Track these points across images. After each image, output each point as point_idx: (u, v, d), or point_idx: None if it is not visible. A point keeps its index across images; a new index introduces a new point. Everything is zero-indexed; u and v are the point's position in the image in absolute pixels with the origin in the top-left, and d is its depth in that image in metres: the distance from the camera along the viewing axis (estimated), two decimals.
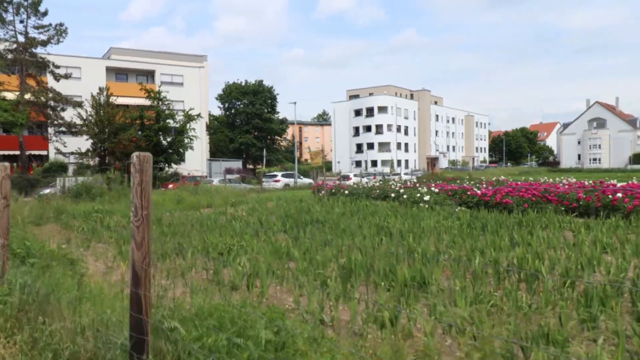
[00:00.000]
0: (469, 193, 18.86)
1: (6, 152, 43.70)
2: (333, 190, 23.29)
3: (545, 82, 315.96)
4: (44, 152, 47.30)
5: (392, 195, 20.72)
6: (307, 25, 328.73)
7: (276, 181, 34.79)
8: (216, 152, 61.78)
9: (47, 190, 31.67)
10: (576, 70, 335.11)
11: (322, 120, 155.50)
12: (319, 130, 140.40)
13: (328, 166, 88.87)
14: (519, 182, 22.92)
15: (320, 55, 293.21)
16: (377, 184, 27.88)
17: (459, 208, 16.72)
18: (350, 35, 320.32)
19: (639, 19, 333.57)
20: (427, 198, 18.32)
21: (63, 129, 41.77)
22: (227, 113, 68.51)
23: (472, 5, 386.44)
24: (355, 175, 43.07)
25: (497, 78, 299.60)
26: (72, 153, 39.86)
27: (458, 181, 28.43)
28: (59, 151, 39.43)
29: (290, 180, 37.22)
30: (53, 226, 15.01)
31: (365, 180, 43.50)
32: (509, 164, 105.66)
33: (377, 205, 18.44)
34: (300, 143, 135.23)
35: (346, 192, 22.18)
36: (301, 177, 41.34)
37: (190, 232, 12.26)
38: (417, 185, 23.78)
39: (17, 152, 40.89)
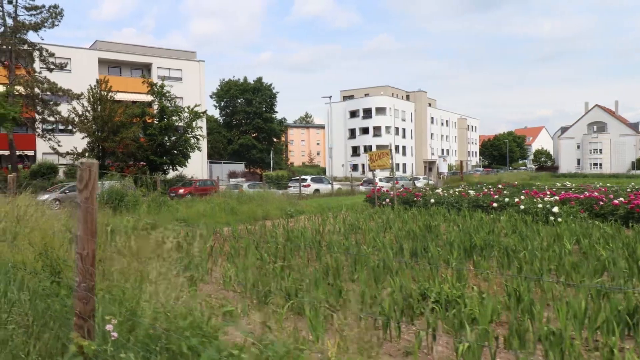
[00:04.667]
0: (601, 203, 15.44)
1: None
2: (413, 199, 19.54)
3: (510, 89, 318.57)
4: (30, 152, 42.11)
5: (495, 205, 17.14)
6: (280, 28, 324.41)
7: (306, 186, 30.76)
8: (213, 154, 57.28)
9: (45, 196, 27.05)
10: (539, 78, 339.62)
11: (305, 122, 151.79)
12: (304, 132, 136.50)
13: (321, 170, 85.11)
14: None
15: (293, 58, 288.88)
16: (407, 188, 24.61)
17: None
18: (324, 39, 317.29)
19: (606, 27, 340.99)
20: (556, 209, 14.80)
21: (54, 126, 36.94)
22: (224, 112, 63.93)
23: (442, 12, 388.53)
24: (380, 180, 39.41)
25: (464, 84, 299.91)
26: (68, 153, 35.03)
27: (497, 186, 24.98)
28: (55, 151, 34.52)
29: (321, 186, 33.23)
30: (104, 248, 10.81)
31: (389, 184, 39.97)
32: (511, 167, 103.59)
33: (495, 218, 14.81)
34: (286, 146, 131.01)
35: (432, 200, 18.44)
36: (330, 181, 37.32)
37: (335, 268, 8.23)
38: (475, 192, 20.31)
39: (6, 152, 35.88)
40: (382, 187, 38.64)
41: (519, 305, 5.99)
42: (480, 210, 16.96)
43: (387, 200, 21.01)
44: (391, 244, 10.48)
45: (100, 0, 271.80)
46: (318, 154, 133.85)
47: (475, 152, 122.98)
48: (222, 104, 63.98)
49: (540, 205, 15.46)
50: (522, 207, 15.79)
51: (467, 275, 7.82)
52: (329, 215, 17.35)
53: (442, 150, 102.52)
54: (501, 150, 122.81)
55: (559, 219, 14.09)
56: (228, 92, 62.69)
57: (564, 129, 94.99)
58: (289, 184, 33.36)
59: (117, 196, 16.43)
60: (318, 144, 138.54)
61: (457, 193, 19.95)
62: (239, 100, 63.25)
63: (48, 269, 4.18)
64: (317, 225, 14.51)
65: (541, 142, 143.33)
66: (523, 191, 19.92)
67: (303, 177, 35.45)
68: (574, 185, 27.79)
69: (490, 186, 26.90)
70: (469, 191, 21.40)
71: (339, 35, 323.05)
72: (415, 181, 46.09)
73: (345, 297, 6.56)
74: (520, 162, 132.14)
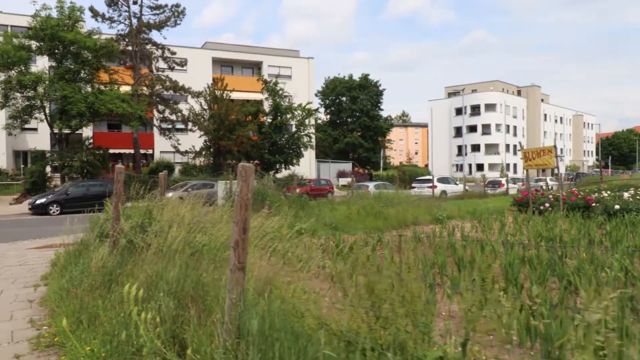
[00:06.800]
0: None
1: (118, 150, 39.54)
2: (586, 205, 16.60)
3: (623, 84, 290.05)
4: (149, 151, 43.19)
5: None
6: (374, 27, 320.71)
7: (432, 187, 28.40)
8: (318, 153, 56.20)
9: (169, 194, 26.98)
10: None
11: (402, 121, 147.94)
12: (402, 131, 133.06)
13: (426, 172, 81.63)
14: None
15: (388, 57, 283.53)
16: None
17: None
18: (418, 37, 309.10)
19: None
20: None
21: (171, 125, 37.32)
22: (329, 110, 62.73)
23: (546, 4, 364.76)
24: (507, 181, 36.17)
25: (569, 79, 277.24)
26: (187, 152, 35.19)
27: None
28: (176, 149, 34.80)
29: (447, 187, 30.75)
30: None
31: (516, 186, 36.60)
32: (637, 168, 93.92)
33: None
34: (385, 145, 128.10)
35: (616, 206, 15.42)
36: (457, 182, 34.69)
37: None
38: None
39: (129, 150, 36.80)
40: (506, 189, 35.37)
41: None
42: None
43: (547, 204, 18.11)
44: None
45: (201, 7, 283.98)
46: (416, 153, 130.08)
47: (591, 152, 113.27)
48: (327, 102, 62.79)
49: None
50: None
51: None
52: (489, 221, 14.99)
53: (556, 149, 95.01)
54: (621, 149, 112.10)
55: None
56: (334, 90, 61.35)
57: None
58: (413, 185, 31.17)
59: (259, 196, 15.15)
60: (416, 142, 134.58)
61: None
62: (344, 98, 61.76)
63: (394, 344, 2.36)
64: (490, 233, 12.22)
65: None
66: None
67: (427, 177, 33.17)
68: None
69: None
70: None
71: (433, 32, 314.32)
72: (540, 182, 41.92)
73: None
74: None
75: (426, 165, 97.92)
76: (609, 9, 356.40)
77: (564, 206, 17.28)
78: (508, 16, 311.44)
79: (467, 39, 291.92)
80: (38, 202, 23.47)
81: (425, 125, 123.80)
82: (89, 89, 29.15)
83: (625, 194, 17.04)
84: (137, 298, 3.82)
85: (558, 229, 12.60)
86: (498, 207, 21.26)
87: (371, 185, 26.13)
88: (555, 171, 68.37)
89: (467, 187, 32.45)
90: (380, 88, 62.22)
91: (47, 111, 28.94)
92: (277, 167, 39.16)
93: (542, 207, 17.88)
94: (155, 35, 35.30)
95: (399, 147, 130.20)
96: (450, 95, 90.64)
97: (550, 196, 19.14)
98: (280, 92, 38.74)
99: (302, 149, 39.21)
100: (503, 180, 36.52)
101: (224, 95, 35.99)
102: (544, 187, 36.15)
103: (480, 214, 17.02)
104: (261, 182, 16.72)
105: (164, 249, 5.36)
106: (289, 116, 38.06)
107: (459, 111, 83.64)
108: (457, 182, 34.13)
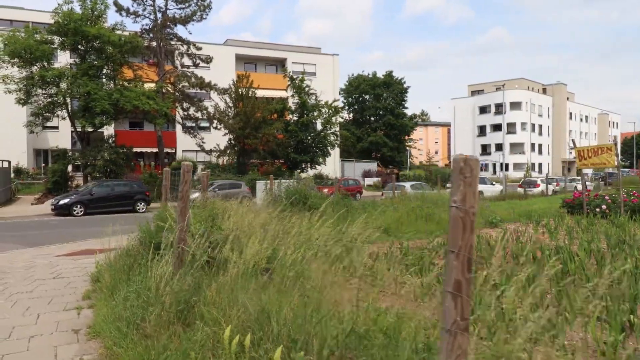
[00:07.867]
0: None
1: (141, 149, 38.54)
2: None
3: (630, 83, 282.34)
4: (172, 149, 42.23)
5: None
6: (391, 27, 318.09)
7: None
8: (342, 152, 54.88)
9: (195, 195, 25.96)
10: None
11: (421, 120, 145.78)
12: (422, 130, 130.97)
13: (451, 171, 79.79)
14: None
15: (405, 57, 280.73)
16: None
17: None
18: (435, 36, 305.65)
19: None
20: None
21: (194, 123, 36.30)
22: (352, 108, 61.21)
23: (563, 1, 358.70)
24: (542, 182, 34.65)
25: (582, 78, 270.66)
26: (212, 150, 34.17)
27: None
28: (202, 148, 33.78)
29: (484, 187, 29.37)
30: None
31: (551, 187, 35.01)
32: None
33: None
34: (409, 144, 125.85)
35: None
36: (494, 183, 33.27)
37: None
38: None
39: (152, 149, 35.89)
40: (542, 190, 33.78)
41: None
42: None
43: (604, 206, 16.71)
44: None
45: (218, 6, 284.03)
46: (436, 152, 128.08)
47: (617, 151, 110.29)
48: (351, 100, 61.32)
49: None
50: None
51: None
52: (549, 224, 13.68)
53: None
54: None
55: None
56: (358, 88, 59.85)
57: None
58: (448, 185, 29.82)
59: (301, 197, 13.97)
60: (436, 142, 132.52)
61: None
62: (367, 96, 60.26)
63: None
64: (563, 241, 10.81)
65: None
66: None
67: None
68: None
69: None
70: None
71: (449, 31, 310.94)
72: (574, 182, 40.05)
73: None
74: None
75: (447, 165, 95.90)
76: (609, 8, 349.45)
77: (626, 208, 16.00)
78: (525, 14, 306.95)
79: (484, 38, 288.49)
80: (61, 202, 22.50)
81: (445, 124, 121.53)
82: (112, 86, 28.21)
83: None
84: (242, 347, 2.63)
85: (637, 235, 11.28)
86: (547, 209, 19.84)
87: (407, 186, 24.86)
88: (585, 171, 65.91)
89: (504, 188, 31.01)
90: (405, 86, 60.61)
91: (70, 108, 28.06)
92: (303, 166, 38.01)
93: (597, 210, 16.57)
94: (180, 30, 34.23)
95: (419, 147, 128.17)
96: (473, 93, 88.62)
97: (607, 197, 17.80)
98: (307, 89, 37.59)
99: (329, 148, 38.01)
100: (539, 181, 34.94)
101: (250, 92, 34.93)
102: (579, 188, 34.46)
103: (537, 217, 15.65)
104: (302, 182, 15.54)
105: (247, 269, 4.16)
106: (315, 114, 36.87)
107: (482, 110, 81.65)
108: (493, 183, 32.75)
